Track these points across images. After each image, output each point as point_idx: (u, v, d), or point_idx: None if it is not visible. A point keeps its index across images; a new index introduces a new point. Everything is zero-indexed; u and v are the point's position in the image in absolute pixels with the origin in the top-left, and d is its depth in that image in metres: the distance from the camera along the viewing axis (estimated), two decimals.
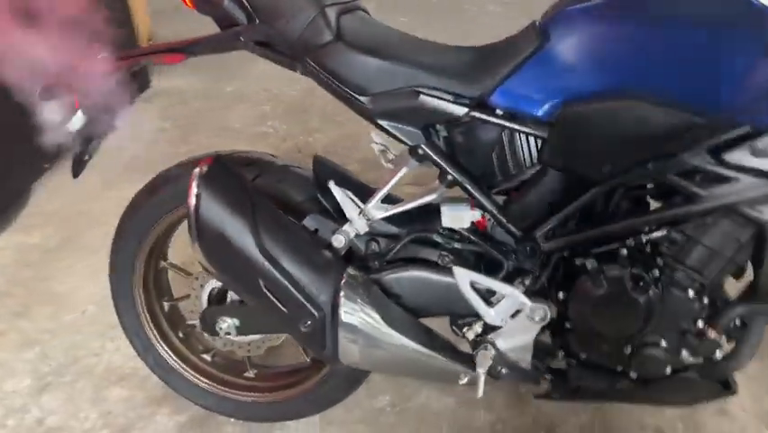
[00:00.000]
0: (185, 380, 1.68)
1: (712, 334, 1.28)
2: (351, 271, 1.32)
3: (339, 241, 1.34)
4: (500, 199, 1.36)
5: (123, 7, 3.20)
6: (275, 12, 1.25)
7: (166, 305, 1.69)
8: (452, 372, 1.37)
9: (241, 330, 1.48)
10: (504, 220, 1.32)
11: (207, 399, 1.69)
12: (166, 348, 1.67)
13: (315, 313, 1.26)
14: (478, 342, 1.38)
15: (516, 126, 1.25)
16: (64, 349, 1.95)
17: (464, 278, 1.32)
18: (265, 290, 1.26)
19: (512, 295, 1.31)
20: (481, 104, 1.25)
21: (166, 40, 1.57)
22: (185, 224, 1.30)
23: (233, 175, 1.31)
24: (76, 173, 1.55)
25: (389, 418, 1.74)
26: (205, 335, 1.55)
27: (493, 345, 1.36)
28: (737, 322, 1.29)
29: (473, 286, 1.32)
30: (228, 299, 1.52)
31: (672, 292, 1.28)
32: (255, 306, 1.34)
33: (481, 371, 1.33)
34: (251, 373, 1.68)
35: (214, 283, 1.54)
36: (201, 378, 1.68)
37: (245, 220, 1.25)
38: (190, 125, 3.09)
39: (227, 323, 1.47)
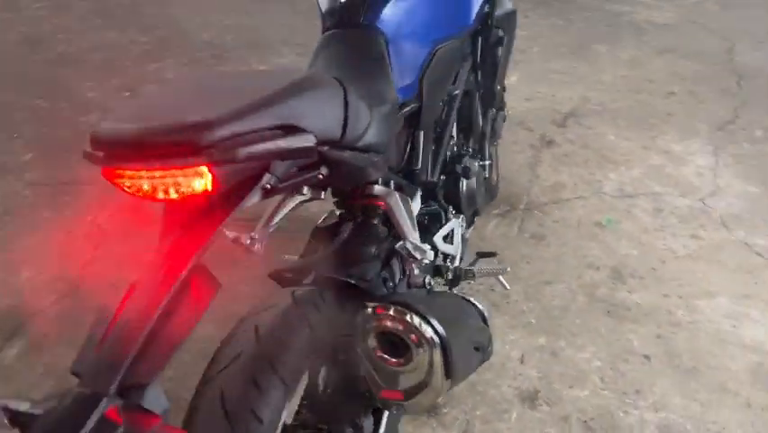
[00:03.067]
0: None
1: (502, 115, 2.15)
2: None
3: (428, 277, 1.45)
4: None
5: None
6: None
7: None
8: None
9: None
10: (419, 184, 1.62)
11: None
12: None
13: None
14: (458, 272, 1.72)
15: None
16: None
17: (439, 239, 1.64)
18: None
19: (455, 222, 1.72)
20: None
21: None
22: None
23: (410, 302, 1.19)
24: None
25: None
26: None
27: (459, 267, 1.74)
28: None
29: (443, 240, 1.66)
30: None
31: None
32: None
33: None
34: None
35: None
36: None
37: (460, 316, 1.29)
38: None
39: None
